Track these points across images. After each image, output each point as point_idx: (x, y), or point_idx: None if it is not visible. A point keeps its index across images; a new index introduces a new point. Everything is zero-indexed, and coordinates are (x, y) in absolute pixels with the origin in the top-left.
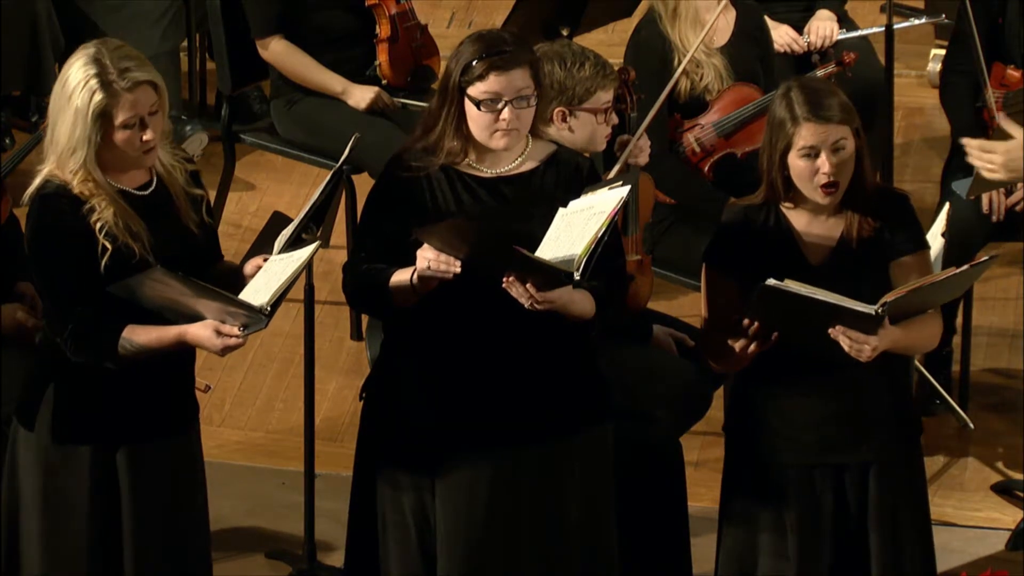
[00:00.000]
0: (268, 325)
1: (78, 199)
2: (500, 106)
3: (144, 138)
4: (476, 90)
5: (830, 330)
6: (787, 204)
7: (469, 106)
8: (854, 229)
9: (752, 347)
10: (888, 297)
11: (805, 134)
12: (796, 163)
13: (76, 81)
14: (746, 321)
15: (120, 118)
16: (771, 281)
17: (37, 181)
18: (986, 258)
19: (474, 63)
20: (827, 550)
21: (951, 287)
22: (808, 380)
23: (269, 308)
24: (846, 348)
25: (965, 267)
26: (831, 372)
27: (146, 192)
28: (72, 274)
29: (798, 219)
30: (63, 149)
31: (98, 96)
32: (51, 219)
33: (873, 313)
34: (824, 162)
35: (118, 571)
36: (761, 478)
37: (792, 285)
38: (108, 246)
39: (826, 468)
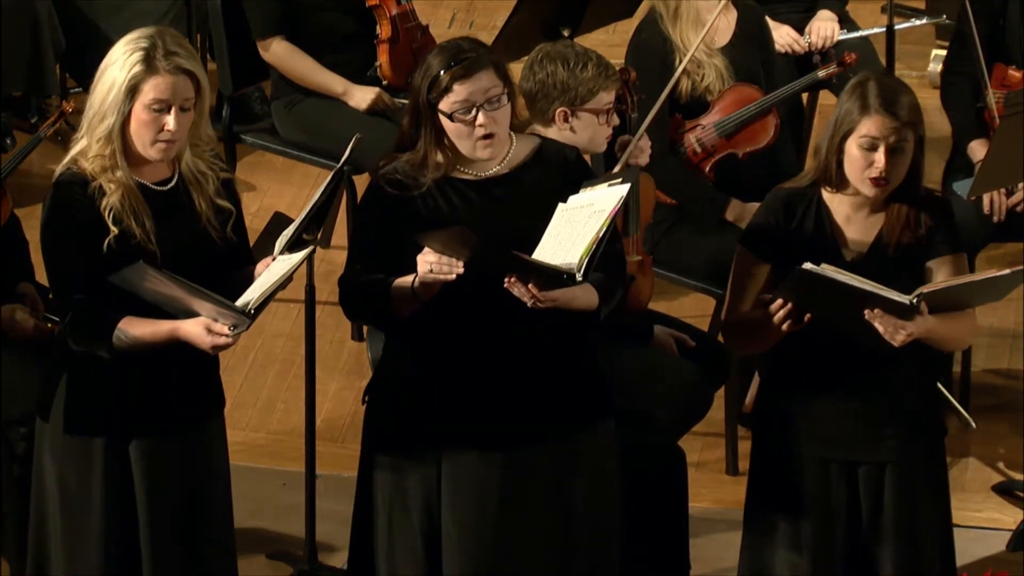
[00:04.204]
0: (250, 327)
1: (91, 185)
2: (473, 113)
3: (167, 127)
4: (446, 103)
5: (866, 312)
6: (831, 191)
7: (444, 119)
8: (895, 233)
9: (784, 327)
10: (924, 289)
11: (870, 124)
12: (852, 151)
13: (123, 50)
14: (776, 303)
15: (150, 96)
16: (807, 265)
17: (60, 166)
18: None
19: (438, 77)
20: (840, 546)
21: (991, 289)
22: (832, 376)
23: (253, 310)
24: (881, 331)
25: (1007, 271)
26: (856, 370)
27: (164, 188)
28: (75, 262)
29: (839, 212)
30: (94, 114)
31: (137, 68)
32: (61, 207)
33: (908, 303)
34: (880, 157)
35: (136, 565)
36: (782, 476)
37: (828, 270)
38: (114, 229)
39: (841, 464)
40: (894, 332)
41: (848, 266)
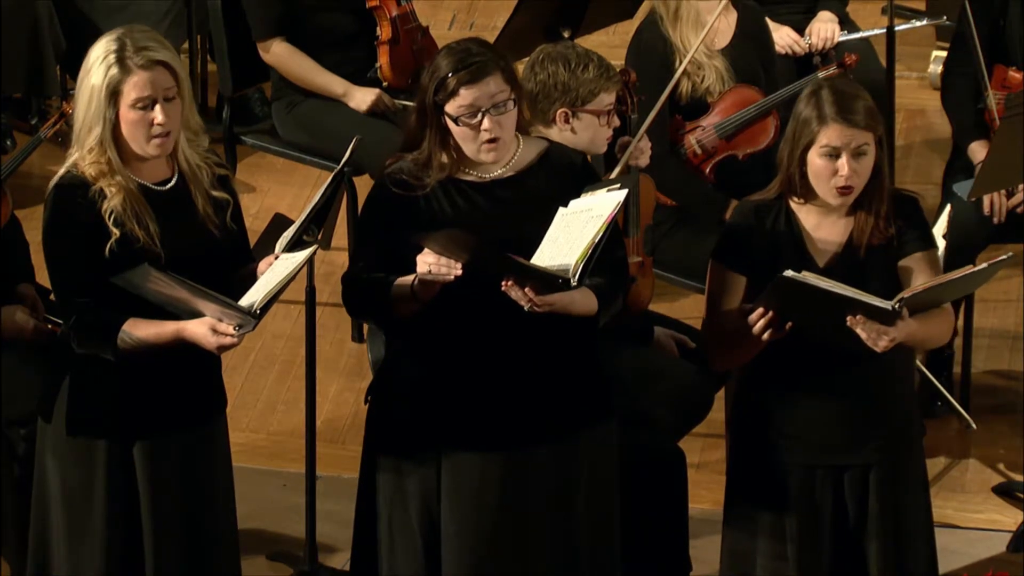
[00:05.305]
0: (256, 327)
1: (92, 188)
2: (479, 117)
3: (156, 121)
4: (452, 106)
5: (848, 318)
6: (798, 200)
7: (449, 122)
8: (865, 235)
9: (765, 336)
10: (905, 293)
11: (830, 134)
12: (815, 161)
13: (95, 58)
14: (756, 313)
15: (132, 96)
16: (789, 273)
17: (60, 171)
18: (1004, 256)
19: (446, 80)
20: (827, 553)
21: (967, 284)
22: (811, 381)
23: (258, 310)
24: (863, 338)
25: (983, 265)
26: (834, 373)
27: (165, 187)
28: (78, 265)
29: (808, 219)
30: (81, 127)
31: (112, 71)
32: (62, 210)
33: (890, 308)
34: (844, 165)
35: (138, 566)
36: (763, 479)
37: (810, 277)
38: (116, 232)
39: (827, 469)
40: (877, 338)
41: (821, 272)
